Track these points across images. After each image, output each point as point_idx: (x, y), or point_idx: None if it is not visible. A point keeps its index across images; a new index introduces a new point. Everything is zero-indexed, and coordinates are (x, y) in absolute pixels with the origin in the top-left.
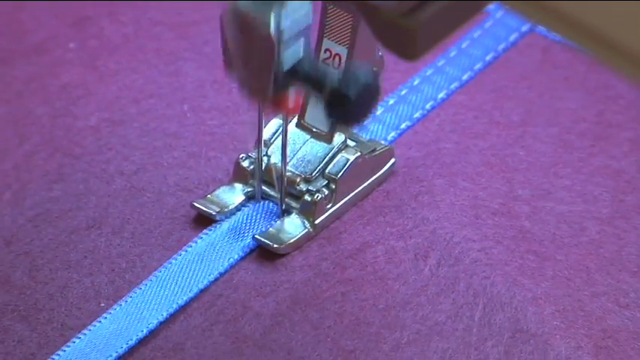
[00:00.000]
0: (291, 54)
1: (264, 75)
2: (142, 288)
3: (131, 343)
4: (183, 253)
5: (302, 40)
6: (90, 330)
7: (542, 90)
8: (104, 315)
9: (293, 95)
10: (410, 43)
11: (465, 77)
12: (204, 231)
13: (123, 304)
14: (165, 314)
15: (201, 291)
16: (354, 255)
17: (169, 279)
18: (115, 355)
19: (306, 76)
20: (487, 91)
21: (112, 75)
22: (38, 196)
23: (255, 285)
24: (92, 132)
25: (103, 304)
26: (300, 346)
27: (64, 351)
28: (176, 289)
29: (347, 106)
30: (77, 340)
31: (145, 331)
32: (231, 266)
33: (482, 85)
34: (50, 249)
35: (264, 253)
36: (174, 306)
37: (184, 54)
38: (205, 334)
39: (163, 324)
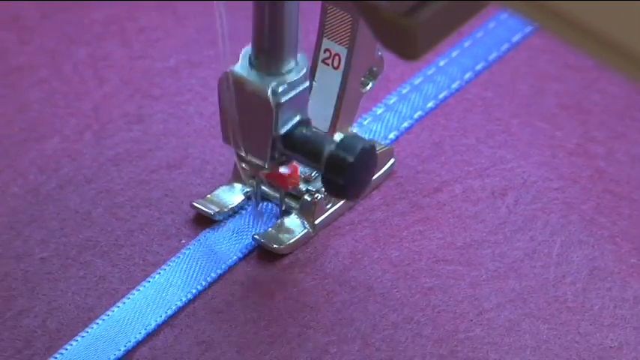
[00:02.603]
0: (288, 119)
1: (262, 139)
2: (217, 229)
3: (210, 279)
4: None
5: (298, 105)
6: (169, 265)
7: None
8: (183, 250)
9: (289, 169)
10: (410, 43)
11: None
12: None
13: (202, 239)
14: (244, 252)
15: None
16: (432, 194)
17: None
18: (194, 291)
19: (303, 141)
20: None
21: (190, 18)
22: (118, 136)
23: (334, 224)
24: (171, 73)
25: (183, 241)
26: (379, 283)
27: (144, 286)
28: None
29: (345, 171)
30: (157, 276)
31: (224, 266)
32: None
33: None
34: (130, 187)
35: None
36: (249, 240)
37: None
38: (286, 271)
39: (242, 260)
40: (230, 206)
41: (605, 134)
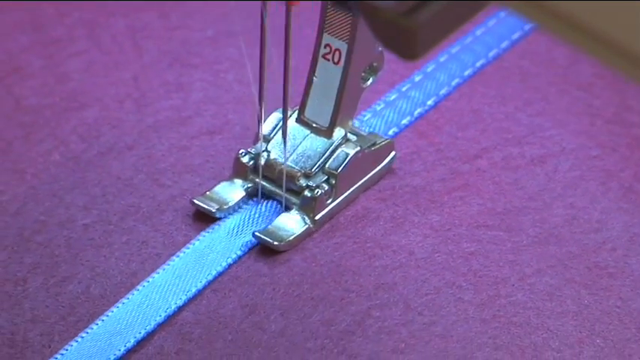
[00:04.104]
0: None
1: None
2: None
3: (250, 244)
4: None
5: None
6: (209, 232)
7: None
8: (223, 219)
9: None
10: (410, 43)
11: None
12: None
13: (247, 206)
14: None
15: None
16: (471, 160)
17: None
18: (234, 256)
19: None
20: None
21: None
22: (158, 104)
23: (374, 188)
24: (209, 43)
25: (226, 206)
26: (420, 248)
27: (184, 252)
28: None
29: None
30: (196, 242)
31: (264, 226)
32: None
33: None
34: (171, 153)
35: None
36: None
37: None
38: (328, 235)
39: None
40: (230, 203)
41: None
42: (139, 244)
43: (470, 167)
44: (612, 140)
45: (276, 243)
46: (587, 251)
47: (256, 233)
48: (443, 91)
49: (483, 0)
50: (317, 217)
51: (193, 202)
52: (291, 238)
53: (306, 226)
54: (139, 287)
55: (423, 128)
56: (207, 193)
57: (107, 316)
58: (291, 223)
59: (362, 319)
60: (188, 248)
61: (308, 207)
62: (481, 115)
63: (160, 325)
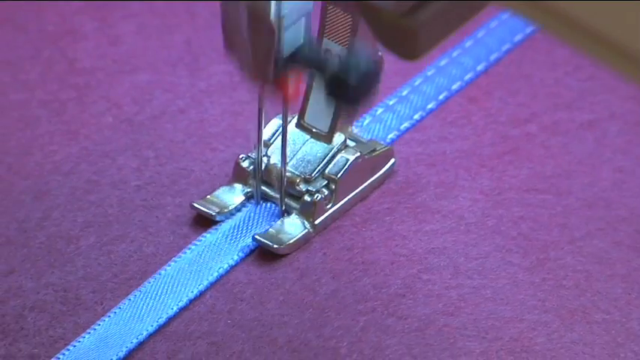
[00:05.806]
0: (292, 39)
1: (264, 58)
2: None
3: None
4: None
5: (303, 26)
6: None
7: None
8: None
9: (294, 81)
10: (410, 43)
11: None
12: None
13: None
14: None
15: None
16: (521, 125)
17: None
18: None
19: (306, 61)
20: None
21: None
22: (211, 68)
23: (426, 152)
24: None
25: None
26: (470, 212)
27: (236, 215)
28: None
29: (347, 91)
30: (249, 205)
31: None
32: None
33: None
34: (224, 118)
35: None
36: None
37: None
38: (378, 201)
39: None
40: (231, 207)
41: None
42: (190, 208)
43: (520, 132)
44: None
45: (275, 246)
46: (635, 214)
47: (256, 236)
48: (493, 56)
49: (483, 0)
50: (317, 222)
51: (193, 206)
52: (291, 241)
53: (306, 230)
54: (191, 246)
55: (473, 93)
56: (208, 197)
57: (159, 274)
58: (291, 227)
59: (412, 282)
60: (240, 211)
61: (308, 211)
62: (531, 80)
63: (212, 285)
